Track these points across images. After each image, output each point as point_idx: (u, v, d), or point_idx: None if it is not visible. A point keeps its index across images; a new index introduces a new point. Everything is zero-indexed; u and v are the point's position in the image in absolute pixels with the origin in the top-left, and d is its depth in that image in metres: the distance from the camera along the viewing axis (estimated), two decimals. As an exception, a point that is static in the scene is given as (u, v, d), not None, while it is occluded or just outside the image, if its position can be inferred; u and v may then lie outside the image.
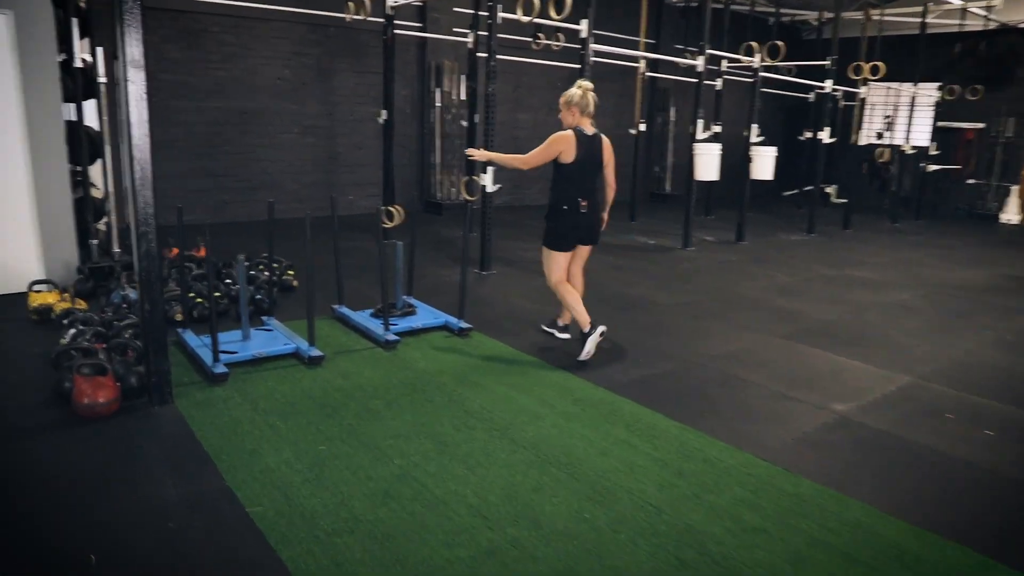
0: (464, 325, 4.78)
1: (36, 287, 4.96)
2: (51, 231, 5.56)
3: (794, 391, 4.13)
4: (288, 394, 3.72)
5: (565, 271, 4.66)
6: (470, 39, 7.41)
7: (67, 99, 5.52)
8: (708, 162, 8.28)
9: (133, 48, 3.22)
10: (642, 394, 3.95)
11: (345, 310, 5.01)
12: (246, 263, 5.77)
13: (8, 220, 5.44)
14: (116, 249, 5.87)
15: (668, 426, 3.57)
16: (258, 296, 5.06)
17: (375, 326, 4.63)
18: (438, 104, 10.21)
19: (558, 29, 9.00)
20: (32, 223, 5.52)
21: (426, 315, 4.97)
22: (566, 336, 4.86)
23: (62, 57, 5.44)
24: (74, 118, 5.60)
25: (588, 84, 4.46)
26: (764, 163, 9.09)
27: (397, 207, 7.94)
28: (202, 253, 6.52)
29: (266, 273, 5.45)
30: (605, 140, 4.55)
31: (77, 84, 5.51)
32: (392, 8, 7.59)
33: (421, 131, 10.54)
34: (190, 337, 4.32)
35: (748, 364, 4.56)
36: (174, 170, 8.77)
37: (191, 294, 4.99)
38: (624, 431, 3.49)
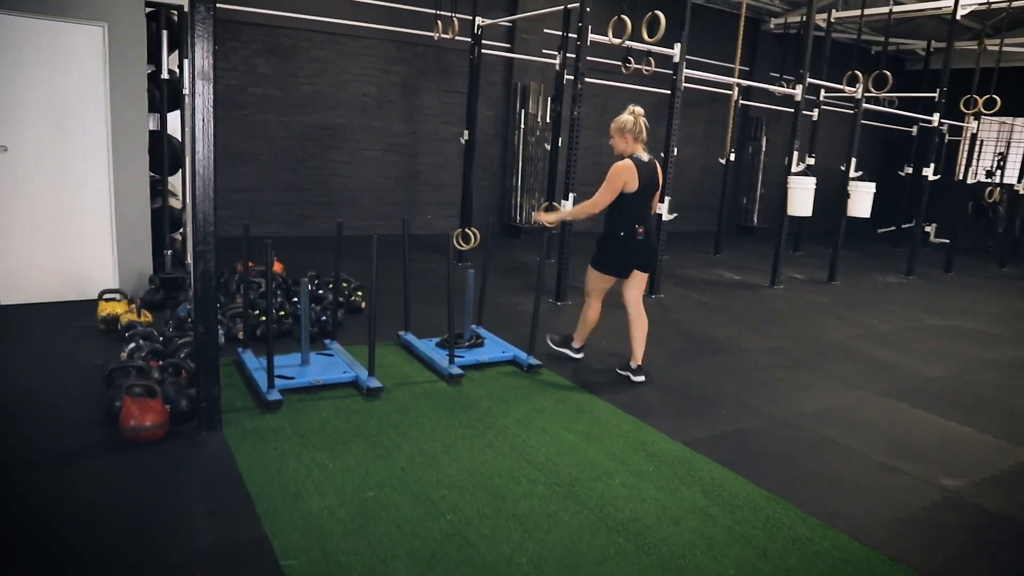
0: (534, 362, 4.50)
1: (106, 296, 4.94)
2: (127, 239, 5.58)
3: (897, 460, 3.67)
4: (341, 428, 3.51)
5: (604, 293, 4.66)
6: (557, 60, 7.18)
7: (152, 109, 5.55)
8: (802, 197, 7.79)
9: (203, 59, 3.10)
10: (724, 454, 3.57)
11: (410, 337, 4.81)
12: (314, 282, 5.69)
13: (87, 226, 5.48)
14: (189, 260, 5.85)
15: (752, 494, 3.19)
16: (323, 318, 4.92)
17: (440, 357, 4.40)
18: (522, 126, 10.03)
19: (649, 53, 8.71)
20: (110, 230, 5.54)
21: (494, 348, 4.71)
22: (580, 356, 4.88)
23: (150, 69, 5.47)
24: (157, 128, 5.62)
25: (640, 109, 4.36)
26: (862, 200, 8.52)
27: (473, 229, 7.78)
28: (275, 268, 6.46)
29: (333, 293, 5.32)
30: (658, 165, 4.50)
31: (163, 95, 5.53)
32: (480, 28, 7.45)
33: (504, 153, 10.39)
34: (249, 358, 4.18)
35: (844, 425, 4.11)
36: (257, 183, 8.85)
37: (255, 312, 4.88)
38: (702, 497, 3.13)
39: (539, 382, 4.36)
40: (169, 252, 5.73)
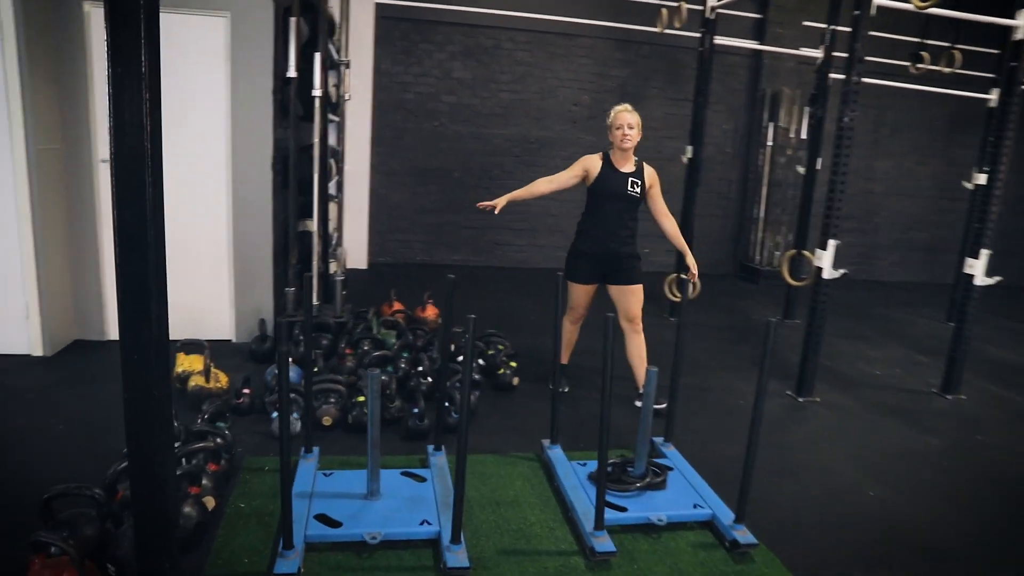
0: (742, 537, 2.61)
1: (188, 347, 3.88)
2: (246, 272, 4.57)
3: None
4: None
5: None
6: (820, 51, 5.21)
7: (282, 116, 4.50)
8: None
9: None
10: None
11: (556, 454, 3.19)
12: (461, 340, 4.22)
13: (203, 255, 4.54)
14: (315, 301, 4.71)
15: None
16: (445, 404, 3.45)
17: (585, 507, 2.72)
18: (769, 143, 8.00)
19: (953, 45, 6.35)
20: (227, 261, 4.57)
21: (681, 493, 2.92)
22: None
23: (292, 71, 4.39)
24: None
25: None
26: None
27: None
28: (429, 314, 5.18)
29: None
30: None
31: (288, 98, 4.45)
32: (714, 10, 5.67)
33: (745, 175, 8.40)
34: (305, 472, 2.82)
35: None
36: (445, 203, 7.73)
37: (351, 384, 3.56)
38: None
39: None
40: (291, 290, 4.63)
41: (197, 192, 4.47)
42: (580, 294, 3.87)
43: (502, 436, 3.48)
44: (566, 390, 4.02)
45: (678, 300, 6.00)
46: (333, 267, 4.99)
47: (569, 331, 3.99)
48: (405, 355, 4.06)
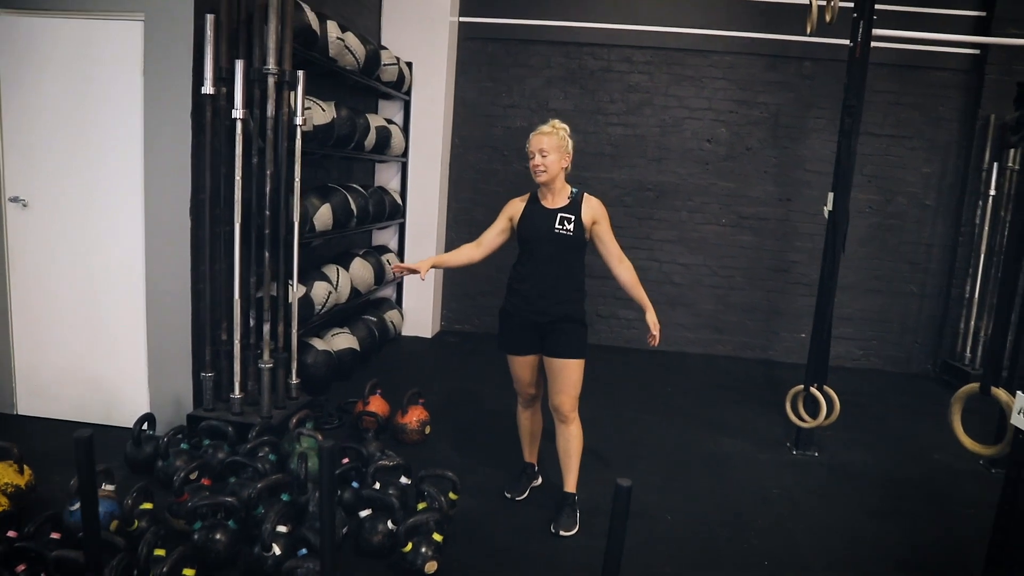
0: None
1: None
2: (162, 349, 3.55)
3: None
4: None
5: None
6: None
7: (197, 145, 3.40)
8: None
9: None
10: None
11: None
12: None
13: (119, 325, 3.58)
14: (236, 394, 3.50)
15: None
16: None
17: None
18: (991, 191, 5.68)
19: None
20: (143, 331, 3.55)
21: None
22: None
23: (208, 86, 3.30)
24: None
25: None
26: None
27: (827, 390, 4.02)
28: (411, 420, 3.82)
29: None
30: None
31: (204, 119, 3.34)
32: (867, -6, 3.80)
33: (954, 238, 6.07)
34: None
35: None
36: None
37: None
38: None
39: None
40: (209, 376, 3.47)
41: (109, 240, 3.54)
42: (517, 368, 3.09)
43: None
44: (537, 483, 3.36)
45: (807, 425, 4.06)
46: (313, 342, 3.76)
47: (524, 420, 3.27)
48: (285, 497, 2.70)
